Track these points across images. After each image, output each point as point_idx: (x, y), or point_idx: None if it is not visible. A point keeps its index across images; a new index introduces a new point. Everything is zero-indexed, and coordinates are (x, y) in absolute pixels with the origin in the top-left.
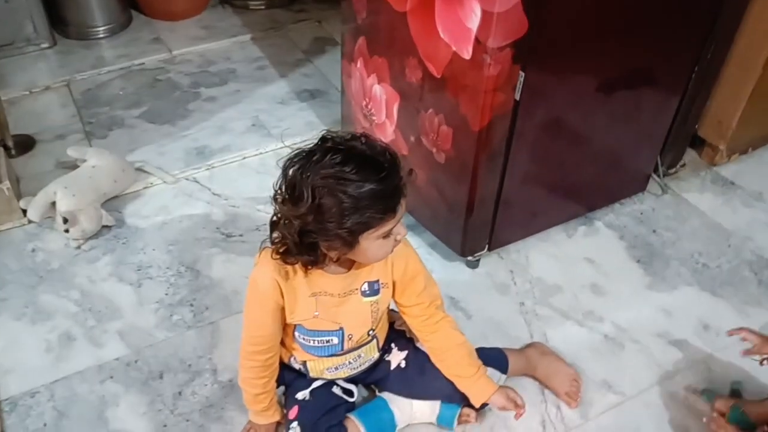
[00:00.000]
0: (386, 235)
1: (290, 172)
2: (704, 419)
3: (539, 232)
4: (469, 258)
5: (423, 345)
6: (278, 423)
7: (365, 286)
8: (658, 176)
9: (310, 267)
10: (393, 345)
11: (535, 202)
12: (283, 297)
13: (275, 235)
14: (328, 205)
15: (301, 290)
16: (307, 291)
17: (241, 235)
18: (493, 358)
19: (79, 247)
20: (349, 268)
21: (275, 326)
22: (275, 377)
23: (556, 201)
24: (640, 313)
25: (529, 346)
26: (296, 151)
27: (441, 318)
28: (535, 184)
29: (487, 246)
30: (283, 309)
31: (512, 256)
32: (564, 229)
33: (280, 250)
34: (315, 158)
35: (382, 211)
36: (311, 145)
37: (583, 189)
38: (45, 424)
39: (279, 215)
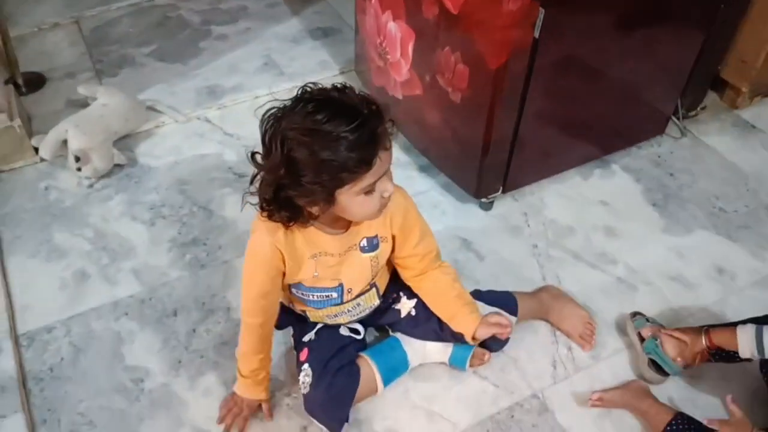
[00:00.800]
0: (368, 191)
1: (264, 125)
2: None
3: (554, 175)
4: (483, 200)
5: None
6: (260, 403)
7: (364, 242)
8: (678, 119)
9: (291, 223)
10: (401, 293)
11: (551, 144)
12: (284, 262)
13: (253, 190)
14: (298, 157)
15: (301, 251)
16: (306, 252)
17: None
18: (502, 300)
19: (91, 186)
20: (347, 228)
21: (275, 293)
22: (271, 351)
23: (573, 143)
24: (654, 255)
25: (541, 289)
26: (272, 102)
27: (435, 268)
28: (551, 124)
29: (501, 188)
30: (283, 273)
31: (526, 198)
32: (579, 172)
33: (263, 207)
34: (287, 109)
35: (356, 164)
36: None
37: (601, 131)
38: (62, 359)
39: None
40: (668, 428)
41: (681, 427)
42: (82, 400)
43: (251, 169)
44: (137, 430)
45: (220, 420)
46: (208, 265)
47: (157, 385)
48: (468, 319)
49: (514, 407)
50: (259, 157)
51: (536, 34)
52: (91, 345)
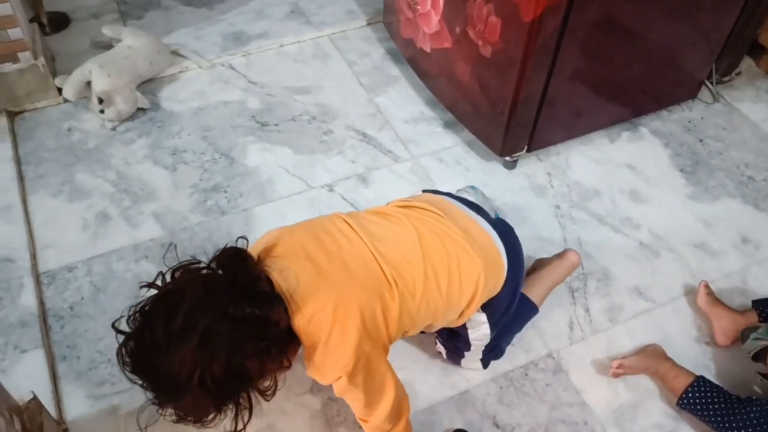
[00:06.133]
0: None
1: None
2: None
3: (581, 136)
4: (507, 158)
5: None
6: None
7: None
8: (711, 83)
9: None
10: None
11: (581, 103)
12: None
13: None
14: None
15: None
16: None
17: (276, 125)
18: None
19: (114, 129)
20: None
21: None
22: None
23: (603, 103)
24: (679, 222)
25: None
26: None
27: None
28: (582, 83)
29: (526, 147)
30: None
31: (551, 158)
32: (607, 134)
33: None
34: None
35: None
36: None
37: (632, 92)
38: (82, 298)
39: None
40: (688, 390)
41: (701, 390)
42: (101, 338)
43: (274, 118)
44: None
45: None
46: (229, 212)
47: None
48: None
49: (529, 366)
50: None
51: None
52: (111, 285)
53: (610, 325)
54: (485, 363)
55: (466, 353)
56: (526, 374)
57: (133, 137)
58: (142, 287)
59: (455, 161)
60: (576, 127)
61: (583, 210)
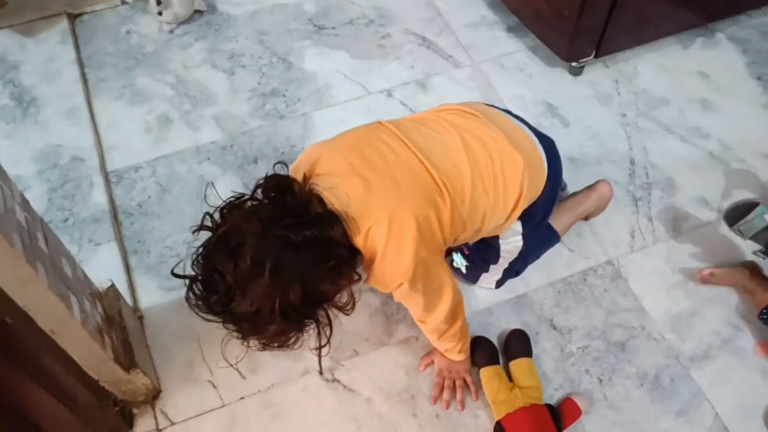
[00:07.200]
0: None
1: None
2: None
3: (652, 42)
4: (573, 64)
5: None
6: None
7: None
8: None
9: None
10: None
11: (653, 7)
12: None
13: None
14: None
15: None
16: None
17: (333, 28)
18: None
19: (172, 32)
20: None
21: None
22: None
23: (676, 7)
24: (751, 132)
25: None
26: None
27: None
28: None
29: (593, 52)
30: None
31: (619, 65)
32: (679, 40)
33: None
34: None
35: None
36: None
37: None
38: (149, 197)
39: None
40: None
41: None
42: (168, 234)
43: (331, 22)
44: None
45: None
46: (287, 116)
47: None
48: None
49: (588, 272)
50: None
51: None
52: (175, 186)
53: (672, 235)
54: (501, 282)
55: (491, 266)
56: (585, 279)
57: (191, 41)
58: (193, 231)
59: (517, 68)
60: (647, 32)
61: (649, 119)
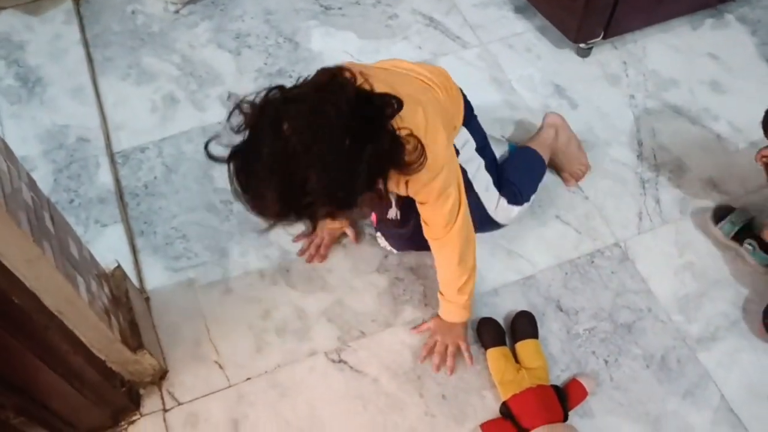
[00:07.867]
0: None
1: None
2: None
3: (661, 22)
4: (581, 45)
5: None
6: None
7: None
8: None
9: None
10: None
11: None
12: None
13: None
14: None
15: None
16: None
17: (340, 8)
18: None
19: (177, 12)
20: None
21: None
22: None
23: None
24: (761, 114)
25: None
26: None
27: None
28: None
29: (602, 33)
30: None
31: (628, 46)
32: (689, 21)
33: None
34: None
35: None
36: None
37: None
38: (155, 177)
39: None
40: None
41: None
42: (175, 215)
43: (338, 2)
44: (227, 246)
45: (302, 252)
46: None
47: None
48: (445, 308)
49: (595, 253)
50: None
51: None
52: (182, 166)
53: (680, 217)
54: (513, 200)
55: (478, 192)
56: (592, 261)
57: (197, 20)
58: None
59: (526, 48)
60: (656, 12)
61: (658, 100)
